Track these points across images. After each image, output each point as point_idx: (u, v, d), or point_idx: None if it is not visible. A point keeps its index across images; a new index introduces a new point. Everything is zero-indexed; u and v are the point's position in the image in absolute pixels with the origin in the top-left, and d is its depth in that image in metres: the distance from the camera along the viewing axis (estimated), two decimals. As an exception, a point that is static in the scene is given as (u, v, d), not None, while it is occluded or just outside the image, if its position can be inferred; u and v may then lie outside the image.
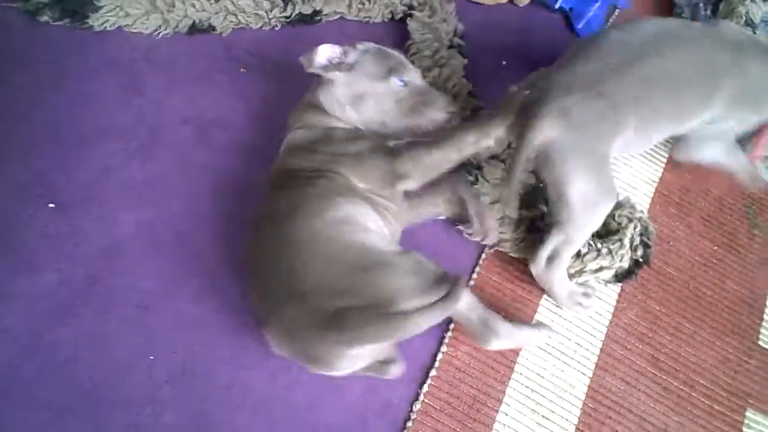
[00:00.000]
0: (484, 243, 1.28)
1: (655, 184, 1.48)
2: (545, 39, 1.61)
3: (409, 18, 1.50)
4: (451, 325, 1.21)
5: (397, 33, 1.52)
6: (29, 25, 1.34)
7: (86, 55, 1.33)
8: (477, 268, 1.29)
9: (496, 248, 1.29)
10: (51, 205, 1.18)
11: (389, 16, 1.53)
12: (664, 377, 1.27)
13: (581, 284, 1.28)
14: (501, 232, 1.27)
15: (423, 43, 1.46)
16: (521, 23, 1.62)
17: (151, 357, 1.10)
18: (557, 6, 1.63)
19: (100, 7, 1.34)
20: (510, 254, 1.30)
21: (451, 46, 1.46)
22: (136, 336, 1.11)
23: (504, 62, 1.54)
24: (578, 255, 1.25)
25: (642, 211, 1.33)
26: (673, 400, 1.25)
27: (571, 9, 1.64)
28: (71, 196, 1.20)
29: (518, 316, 1.25)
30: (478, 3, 1.61)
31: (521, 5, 1.64)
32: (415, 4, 1.52)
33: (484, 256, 1.29)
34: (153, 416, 1.06)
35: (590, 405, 1.22)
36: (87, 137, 1.25)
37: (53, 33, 1.34)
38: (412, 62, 1.31)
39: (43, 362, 1.07)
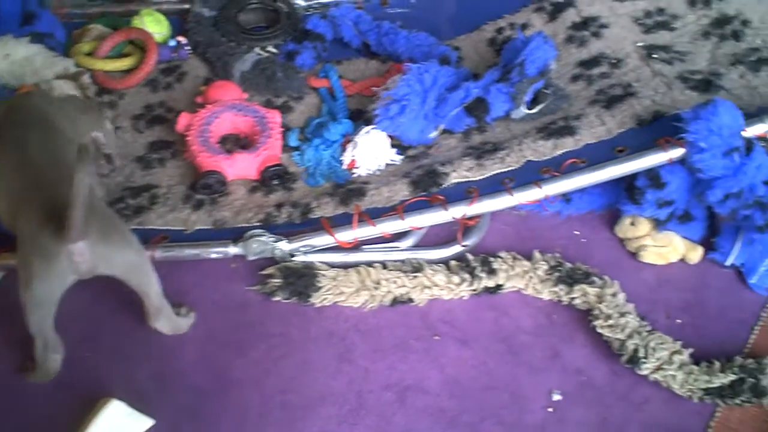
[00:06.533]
0: None
1: None
2: (719, 295, 1.68)
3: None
4: None
5: (567, 314, 1.65)
6: (264, 303, 1.64)
7: (308, 328, 1.60)
8: None
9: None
10: (278, 467, 1.39)
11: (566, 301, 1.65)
12: None
13: None
14: None
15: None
16: (693, 280, 1.71)
17: None
18: (728, 263, 1.72)
19: (321, 287, 1.63)
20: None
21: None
22: None
23: (678, 320, 1.62)
24: None
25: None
26: None
27: (742, 264, 1.71)
28: (294, 458, 1.40)
29: None
30: (650, 264, 1.74)
31: (692, 263, 1.74)
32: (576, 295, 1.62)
33: None
34: None
35: None
36: (308, 403, 1.47)
37: (283, 309, 1.63)
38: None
39: None
